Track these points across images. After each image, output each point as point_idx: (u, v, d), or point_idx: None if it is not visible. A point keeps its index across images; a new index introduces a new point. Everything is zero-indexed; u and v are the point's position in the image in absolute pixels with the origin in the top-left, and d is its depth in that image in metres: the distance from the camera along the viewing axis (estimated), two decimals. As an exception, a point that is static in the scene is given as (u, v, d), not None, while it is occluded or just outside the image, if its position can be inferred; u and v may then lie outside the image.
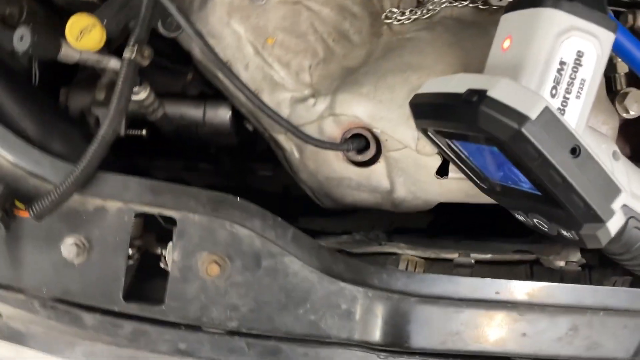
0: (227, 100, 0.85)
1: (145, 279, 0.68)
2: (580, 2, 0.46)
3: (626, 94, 0.62)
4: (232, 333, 0.65)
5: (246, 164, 1.13)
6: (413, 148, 0.64)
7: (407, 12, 0.72)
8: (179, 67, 0.99)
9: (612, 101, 0.63)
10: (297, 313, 0.64)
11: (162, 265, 0.66)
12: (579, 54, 0.47)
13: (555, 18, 0.46)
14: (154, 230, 0.68)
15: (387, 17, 0.73)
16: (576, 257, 0.71)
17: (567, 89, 0.47)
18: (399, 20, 0.72)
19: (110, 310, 0.64)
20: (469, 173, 0.57)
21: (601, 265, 0.70)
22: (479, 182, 0.57)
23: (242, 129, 0.91)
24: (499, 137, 0.42)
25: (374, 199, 0.75)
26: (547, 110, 0.42)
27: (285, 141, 0.75)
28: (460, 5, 0.71)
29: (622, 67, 0.63)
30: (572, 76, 0.47)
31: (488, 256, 0.71)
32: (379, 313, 0.63)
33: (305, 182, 0.79)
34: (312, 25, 0.71)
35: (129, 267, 0.64)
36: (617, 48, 0.54)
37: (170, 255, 0.64)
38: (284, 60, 0.71)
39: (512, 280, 0.59)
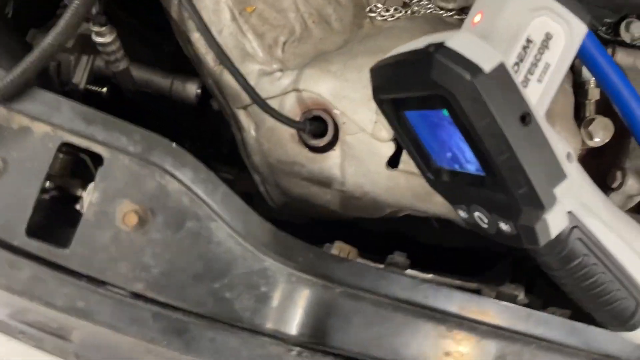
0: (197, 78, 0.82)
1: (57, 224, 0.62)
2: (558, -16, 0.44)
3: (592, 120, 0.60)
4: (137, 296, 0.59)
5: (209, 164, 1.09)
6: (369, 132, 0.61)
7: (392, 10, 0.70)
8: (158, 38, 0.97)
9: (578, 127, 0.61)
10: (212, 287, 0.59)
11: (77, 207, 0.61)
12: (548, 36, 0.45)
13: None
14: (78, 176, 0.63)
15: (371, 11, 0.71)
16: (521, 294, 0.67)
17: (529, 68, 0.44)
18: (383, 16, 0.71)
19: (8, 244, 0.58)
20: (419, 159, 0.53)
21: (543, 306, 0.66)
22: (427, 171, 0.53)
23: (208, 108, 0.87)
24: (450, 88, 0.39)
25: (322, 196, 0.71)
26: (502, 67, 0.38)
27: (245, 118, 0.72)
28: (445, 15, 0.70)
29: (594, 94, 0.61)
30: (537, 57, 0.44)
31: (429, 276, 0.66)
32: (300, 302, 0.58)
33: (257, 167, 0.75)
34: (294, 3, 0.70)
35: (41, 201, 0.59)
36: (583, 54, 0.52)
37: (89, 196, 0.59)
38: (259, 31, 0.69)
39: (445, 287, 0.54)
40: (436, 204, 0.63)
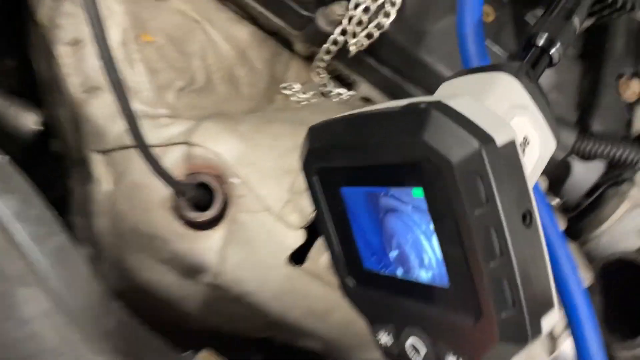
0: (38, 109, 0.64)
1: None
2: (541, 96, 0.39)
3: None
4: None
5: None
6: (275, 212, 0.48)
7: (310, 94, 0.62)
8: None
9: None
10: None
11: None
12: (525, 141, 0.39)
13: (514, 87, 0.38)
14: None
15: (285, 88, 0.62)
16: None
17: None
18: (299, 98, 0.62)
19: None
20: (341, 257, 0.41)
21: None
22: (347, 275, 0.41)
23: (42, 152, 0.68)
24: (446, 155, 0.29)
25: (180, 290, 0.54)
26: (513, 145, 0.30)
27: (101, 165, 0.55)
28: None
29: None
30: (516, 160, 0.38)
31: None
32: None
33: (98, 234, 0.56)
34: (202, 51, 0.58)
35: None
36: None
37: None
38: (152, 67, 0.55)
39: None
40: (330, 326, 0.50)
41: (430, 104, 0.31)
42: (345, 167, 0.37)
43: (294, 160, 0.48)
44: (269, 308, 0.50)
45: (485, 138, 0.29)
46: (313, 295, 0.48)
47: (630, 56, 0.69)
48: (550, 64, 0.44)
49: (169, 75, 0.55)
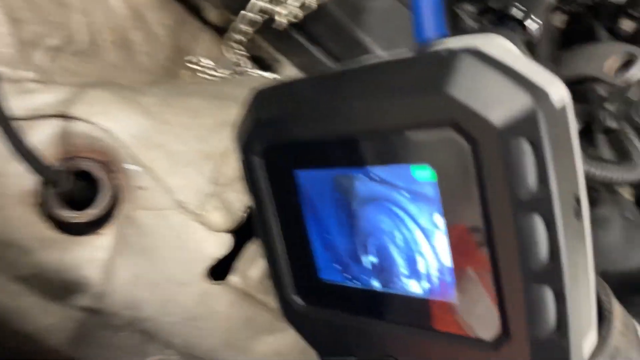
0: None
1: None
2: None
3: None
4: None
5: None
6: (191, 209, 0.36)
7: (222, 73, 0.51)
8: None
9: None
10: None
11: None
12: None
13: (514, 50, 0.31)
14: None
15: (192, 62, 0.51)
16: None
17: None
18: (209, 76, 0.51)
19: None
20: (285, 268, 0.31)
21: None
22: (293, 290, 0.31)
23: None
24: (486, 116, 0.20)
25: (40, 316, 0.40)
26: (567, 107, 0.22)
27: None
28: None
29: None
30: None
31: None
32: None
33: None
34: (86, 4, 0.45)
35: None
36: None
37: None
38: (15, 15, 0.41)
39: None
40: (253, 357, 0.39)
41: (460, 51, 0.22)
42: (307, 143, 0.28)
43: (218, 142, 0.37)
44: (172, 338, 0.38)
45: (539, 93, 0.21)
46: (237, 318, 0.37)
47: (551, 61, 0.67)
48: (530, 40, 0.38)
49: (38, 28, 0.41)
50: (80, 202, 0.38)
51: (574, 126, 0.22)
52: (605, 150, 0.71)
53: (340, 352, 0.30)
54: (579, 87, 0.71)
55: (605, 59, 0.71)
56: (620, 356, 0.56)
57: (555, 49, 0.71)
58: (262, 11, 0.48)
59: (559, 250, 0.21)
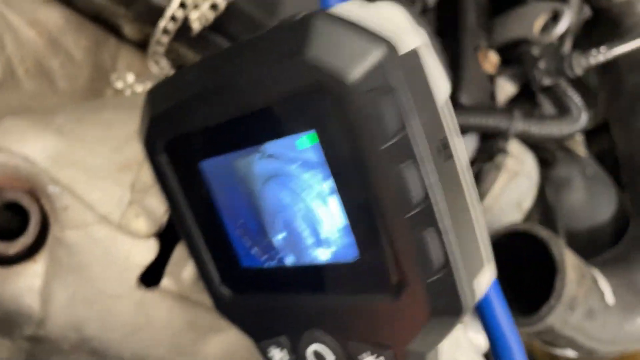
0: None
1: None
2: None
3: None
4: None
5: None
6: (114, 220, 0.36)
7: (146, 85, 0.51)
8: None
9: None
10: None
11: None
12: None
13: (404, 16, 0.32)
14: None
15: (118, 79, 0.51)
16: None
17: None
18: (134, 92, 0.51)
19: None
20: (209, 263, 0.31)
21: None
22: (220, 283, 0.31)
23: None
24: (339, 73, 0.21)
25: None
26: (420, 52, 0.23)
27: None
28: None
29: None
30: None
31: None
32: None
33: None
34: (0, 37, 0.45)
35: None
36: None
37: None
38: None
39: None
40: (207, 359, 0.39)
41: (310, 16, 0.23)
42: (203, 131, 0.28)
43: (134, 150, 0.37)
44: (121, 353, 0.37)
45: (385, 44, 0.21)
46: (179, 322, 0.37)
47: (482, 29, 0.68)
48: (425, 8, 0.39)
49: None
50: (10, 232, 0.38)
51: (432, 71, 0.23)
52: (548, 107, 0.72)
53: (272, 334, 0.30)
54: (514, 50, 0.72)
55: (533, 19, 0.72)
56: (580, 305, 0.56)
57: (486, 17, 0.73)
58: (174, 19, 0.48)
59: (427, 191, 0.21)
